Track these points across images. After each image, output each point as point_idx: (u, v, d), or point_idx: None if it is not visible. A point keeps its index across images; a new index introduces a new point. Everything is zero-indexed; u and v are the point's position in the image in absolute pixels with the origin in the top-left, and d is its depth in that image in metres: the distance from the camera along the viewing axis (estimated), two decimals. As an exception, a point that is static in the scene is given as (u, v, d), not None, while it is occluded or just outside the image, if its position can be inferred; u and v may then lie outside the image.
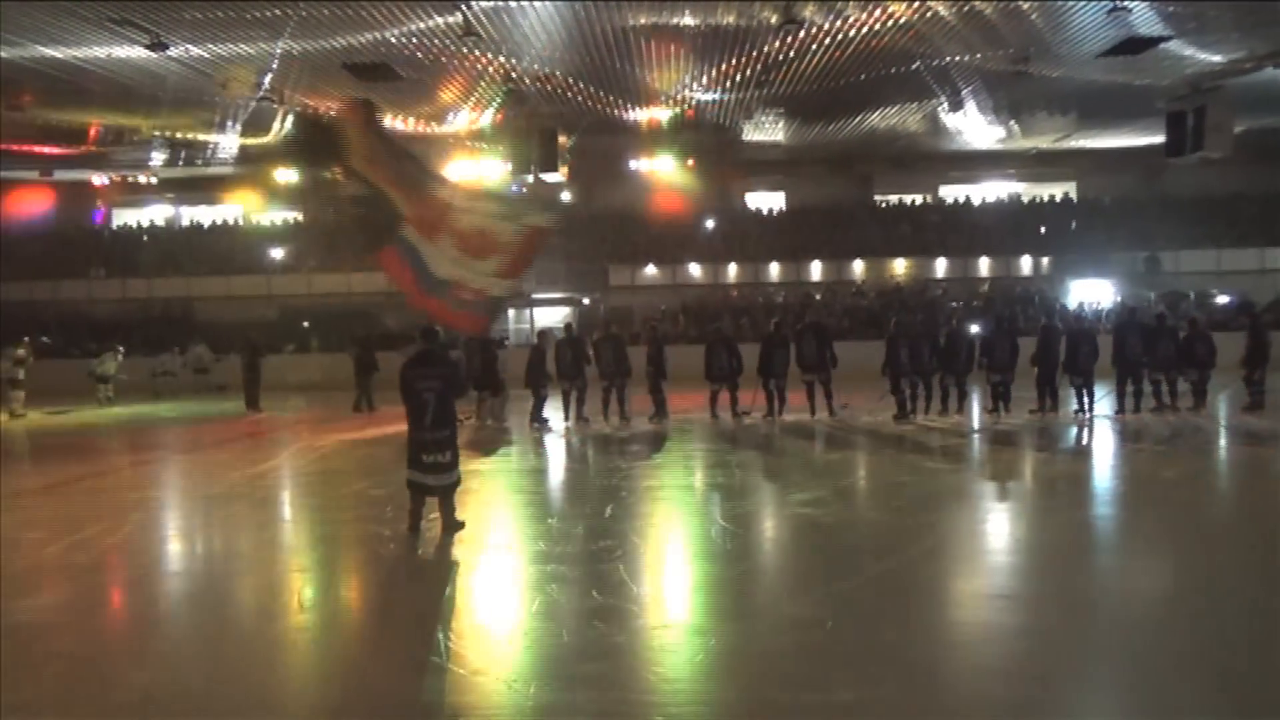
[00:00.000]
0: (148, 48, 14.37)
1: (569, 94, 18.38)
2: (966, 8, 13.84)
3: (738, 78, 17.53)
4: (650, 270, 27.48)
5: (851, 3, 13.56)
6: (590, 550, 6.59)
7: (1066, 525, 7.40)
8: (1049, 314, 17.40)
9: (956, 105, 20.02)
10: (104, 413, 18.51)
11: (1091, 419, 13.27)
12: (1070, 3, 13.54)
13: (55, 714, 4.16)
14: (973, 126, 22.54)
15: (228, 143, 22.23)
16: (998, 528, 7.58)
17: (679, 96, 19.02)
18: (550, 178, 20.64)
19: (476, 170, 22.58)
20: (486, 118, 20.05)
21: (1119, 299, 25.20)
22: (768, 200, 29.56)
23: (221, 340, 23.64)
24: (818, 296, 25.95)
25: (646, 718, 3.93)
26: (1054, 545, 6.80)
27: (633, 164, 24.60)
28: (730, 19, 14.21)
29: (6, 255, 24.89)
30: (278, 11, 13.19)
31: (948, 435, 12.42)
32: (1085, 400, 13.39)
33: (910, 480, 9.27)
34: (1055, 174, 28.54)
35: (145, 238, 29.14)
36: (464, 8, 13.15)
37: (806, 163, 27.39)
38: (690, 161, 23.52)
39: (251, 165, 24.37)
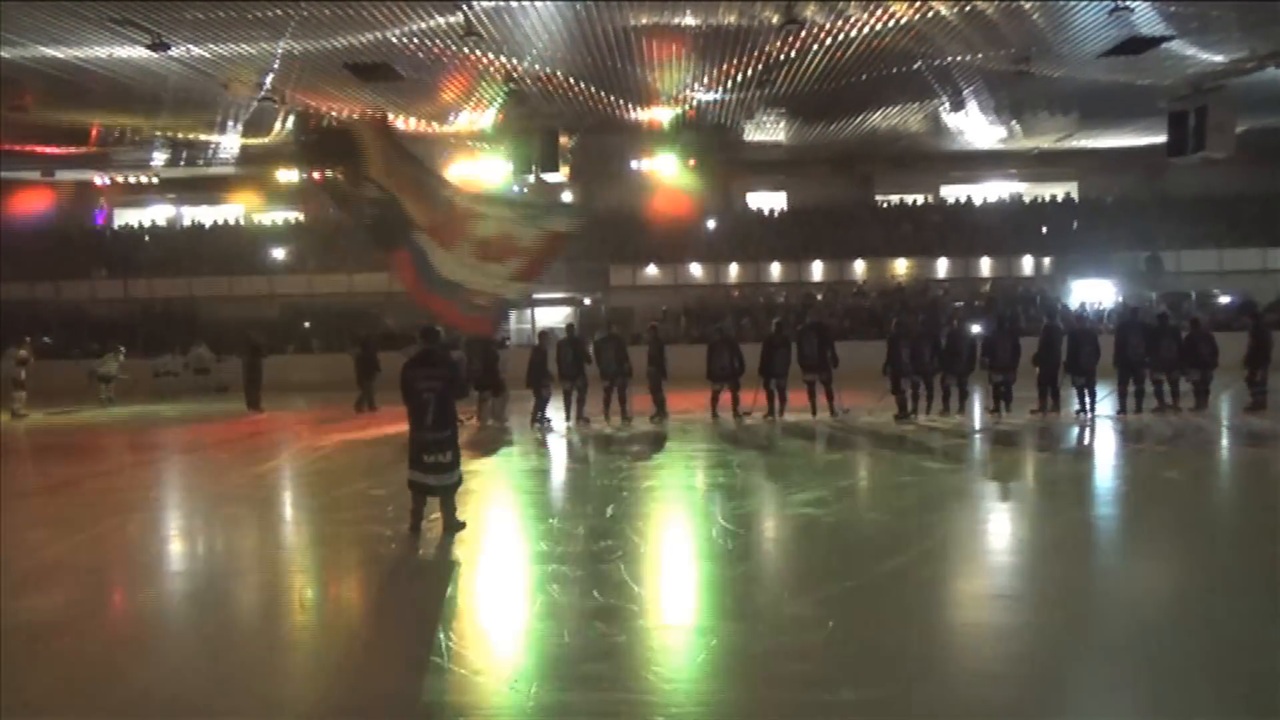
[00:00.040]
0: (149, 48, 14.37)
1: (570, 94, 18.37)
2: (968, 8, 13.82)
3: (739, 78, 17.52)
4: (651, 270, 27.45)
5: (853, 3, 13.56)
6: (591, 550, 6.59)
7: (1068, 525, 7.39)
8: (1050, 314, 17.32)
9: (958, 105, 19.99)
10: (105, 413, 18.51)
11: (1093, 419, 13.25)
12: (1072, 2, 13.52)
13: (55, 714, 4.17)
14: (974, 126, 22.50)
15: (229, 143, 22.25)
16: (999, 528, 7.58)
17: (680, 96, 19.01)
18: (551, 178, 20.68)
19: (477, 170, 22.58)
20: (488, 118, 20.04)
21: (1121, 299, 25.16)
22: (769, 200, 29.50)
23: (223, 340, 23.66)
24: (819, 296, 25.91)
25: (647, 718, 3.93)
26: (1055, 545, 6.79)
27: (634, 164, 24.58)
28: (731, 19, 14.20)
29: (8, 255, 24.84)
30: (279, 11, 13.19)
31: (949, 435, 12.41)
32: (1087, 400, 13.37)
33: (911, 480, 9.26)
34: (1057, 174, 28.48)
35: (147, 238, 29.14)
36: (465, 8, 13.15)
37: (808, 163, 27.32)
38: (691, 162, 23.45)
39: (253, 165, 24.42)
